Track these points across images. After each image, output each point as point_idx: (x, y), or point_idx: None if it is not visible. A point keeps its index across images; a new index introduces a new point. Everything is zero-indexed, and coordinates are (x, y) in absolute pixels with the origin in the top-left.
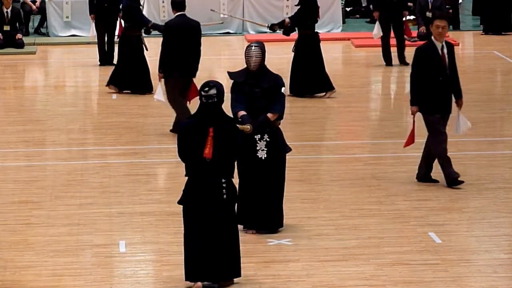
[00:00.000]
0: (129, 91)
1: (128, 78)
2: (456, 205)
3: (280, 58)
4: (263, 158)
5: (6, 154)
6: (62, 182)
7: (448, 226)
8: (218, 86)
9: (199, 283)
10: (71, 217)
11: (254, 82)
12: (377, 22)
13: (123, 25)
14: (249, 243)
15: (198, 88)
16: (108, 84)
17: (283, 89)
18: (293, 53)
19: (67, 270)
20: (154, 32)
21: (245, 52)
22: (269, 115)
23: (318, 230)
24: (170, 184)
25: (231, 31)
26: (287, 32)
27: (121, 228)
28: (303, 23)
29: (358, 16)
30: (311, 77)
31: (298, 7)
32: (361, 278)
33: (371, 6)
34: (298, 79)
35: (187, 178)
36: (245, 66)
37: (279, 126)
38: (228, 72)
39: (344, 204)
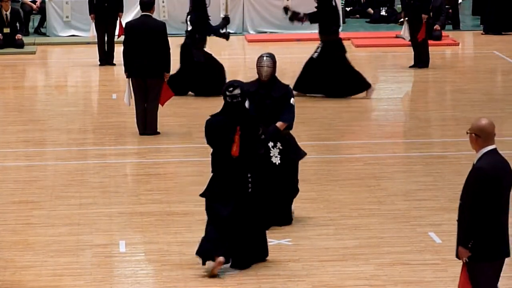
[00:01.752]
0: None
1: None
2: (456, 205)
3: (281, 58)
4: (277, 163)
5: (6, 154)
6: (62, 182)
7: (448, 226)
8: (242, 86)
9: (222, 258)
10: (71, 217)
11: (265, 92)
12: (405, 23)
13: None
14: None
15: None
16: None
17: (292, 100)
18: (311, 57)
19: (67, 270)
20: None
21: (257, 62)
22: (279, 124)
23: (318, 230)
24: (170, 184)
25: (231, 31)
26: (295, 19)
27: (121, 228)
28: (326, 29)
29: (358, 16)
30: (346, 80)
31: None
32: (361, 278)
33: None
34: (328, 81)
35: (212, 172)
36: (256, 77)
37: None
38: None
39: (344, 204)
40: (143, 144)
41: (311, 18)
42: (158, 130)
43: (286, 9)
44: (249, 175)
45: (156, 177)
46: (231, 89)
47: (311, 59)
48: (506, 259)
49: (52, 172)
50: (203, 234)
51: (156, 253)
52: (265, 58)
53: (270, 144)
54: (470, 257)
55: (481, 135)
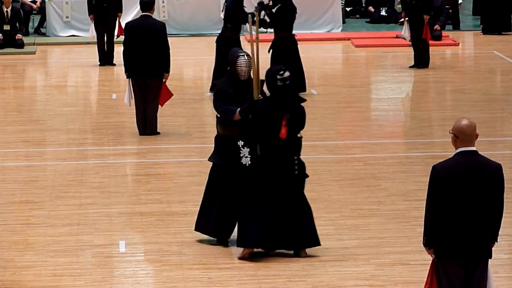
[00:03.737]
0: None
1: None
2: None
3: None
4: (247, 164)
5: (6, 154)
6: (62, 182)
7: None
8: (289, 69)
9: (249, 250)
10: (71, 217)
11: (245, 92)
12: (405, 23)
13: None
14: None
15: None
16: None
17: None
18: (269, 54)
19: (67, 270)
20: None
21: (236, 62)
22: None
23: (318, 230)
24: (170, 184)
25: None
26: (264, 24)
27: (121, 228)
28: (278, 25)
29: (358, 16)
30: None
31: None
32: (361, 278)
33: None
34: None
35: (258, 156)
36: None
37: None
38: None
39: (344, 204)
40: (143, 144)
41: (271, 21)
42: (158, 130)
43: (261, 5)
44: (295, 158)
45: (156, 177)
46: (281, 72)
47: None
48: (506, 259)
49: (52, 172)
50: (203, 234)
51: (156, 253)
52: (246, 57)
53: (240, 143)
54: (434, 254)
55: (459, 136)
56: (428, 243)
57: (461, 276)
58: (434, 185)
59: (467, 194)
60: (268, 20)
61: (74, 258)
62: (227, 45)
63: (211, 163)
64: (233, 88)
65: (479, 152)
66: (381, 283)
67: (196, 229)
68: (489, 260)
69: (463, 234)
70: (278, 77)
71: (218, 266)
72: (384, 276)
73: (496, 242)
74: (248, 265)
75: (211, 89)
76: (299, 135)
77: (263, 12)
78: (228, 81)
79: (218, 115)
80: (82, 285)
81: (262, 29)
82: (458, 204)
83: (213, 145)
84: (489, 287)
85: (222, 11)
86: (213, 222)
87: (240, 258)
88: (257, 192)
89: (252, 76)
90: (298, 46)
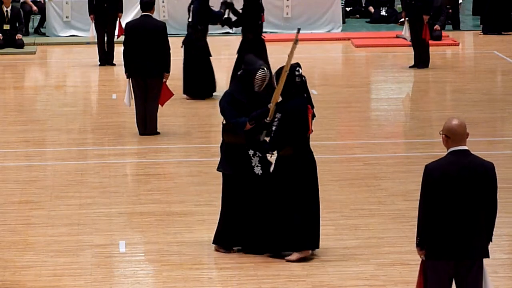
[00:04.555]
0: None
1: (193, 83)
2: None
3: (281, 58)
4: (259, 174)
5: (6, 154)
6: (62, 182)
7: None
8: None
9: (309, 251)
10: (71, 217)
11: (256, 102)
12: (406, 24)
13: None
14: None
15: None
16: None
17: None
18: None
19: (67, 270)
20: None
21: (255, 74)
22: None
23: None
24: (170, 184)
25: (231, 31)
26: (228, 23)
27: (121, 228)
28: (245, 26)
29: (358, 16)
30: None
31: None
32: (361, 278)
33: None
34: None
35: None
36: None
37: None
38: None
39: (344, 204)
40: (143, 144)
41: (237, 21)
42: (158, 130)
43: (225, 4)
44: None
45: (156, 177)
46: (298, 68)
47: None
48: (506, 259)
49: (52, 172)
50: (203, 234)
51: (156, 253)
52: (266, 70)
53: (251, 152)
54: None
55: (450, 136)
56: (421, 243)
57: (451, 277)
58: (427, 185)
59: (460, 194)
60: (233, 18)
61: (74, 258)
62: (196, 48)
63: (214, 165)
64: (246, 98)
65: (477, 152)
66: (381, 283)
67: (215, 242)
68: (488, 259)
69: (456, 234)
70: (296, 73)
71: (218, 266)
72: (384, 276)
73: (491, 242)
74: (248, 265)
75: (185, 93)
76: None
77: (227, 11)
78: (241, 89)
79: (224, 122)
80: (82, 285)
81: (227, 29)
82: (451, 203)
83: (218, 152)
84: (485, 287)
85: (189, 14)
86: (236, 232)
87: (292, 261)
88: (297, 194)
89: (276, 85)
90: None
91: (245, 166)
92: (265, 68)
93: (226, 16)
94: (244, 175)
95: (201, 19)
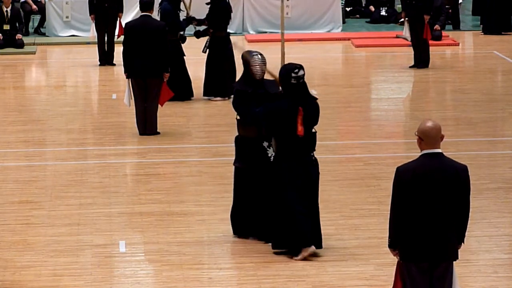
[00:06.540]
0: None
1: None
2: None
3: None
4: None
5: (6, 154)
6: (62, 182)
7: None
8: (303, 67)
9: (313, 247)
10: (71, 217)
11: (263, 91)
12: (406, 24)
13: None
14: (249, 243)
15: (233, 83)
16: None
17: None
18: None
19: (67, 270)
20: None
21: (251, 62)
22: None
23: None
24: (170, 184)
25: (231, 31)
26: (198, 34)
27: (121, 228)
28: (216, 25)
29: (358, 16)
30: (219, 80)
31: (209, 6)
32: (361, 278)
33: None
34: (211, 80)
35: (275, 156)
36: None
37: None
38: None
39: (344, 204)
40: (143, 144)
41: (208, 20)
42: (158, 130)
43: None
44: (312, 154)
45: (156, 177)
46: (296, 70)
47: (207, 59)
48: (506, 259)
49: (52, 172)
50: (203, 234)
51: (156, 253)
52: (260, 56)
53: (265, 144)
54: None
55: (424, 138)
56: (392, 244)
57: (426, 278)
58: (398, 187)
59: (431, 196)
60: (201, 28)
61: (74, 258)
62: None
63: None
64: (251, 88)
65: (477, 152)
66: (381, 283)
67: (236, 233)
68: (488, 259)
69: (427, 236)
70: (293, 75)
71: (218, 266)
72: (384, 276)
73: (463, 243)
74: (248, 265)
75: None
76: (313, 130)
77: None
78: (244, 82)
79: (238, 117)
80: (82, 285)
81: (192, 27)
82: (422, 206)
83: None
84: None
85: (158, 15)
86: (253, 223)
87: (299, 259)
88: (283, 191)
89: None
90: (298, 46)
91: (256, 159)
92: (259, 54)
93: (195, 29)
94: (257, 169)
95: (170, 19)
